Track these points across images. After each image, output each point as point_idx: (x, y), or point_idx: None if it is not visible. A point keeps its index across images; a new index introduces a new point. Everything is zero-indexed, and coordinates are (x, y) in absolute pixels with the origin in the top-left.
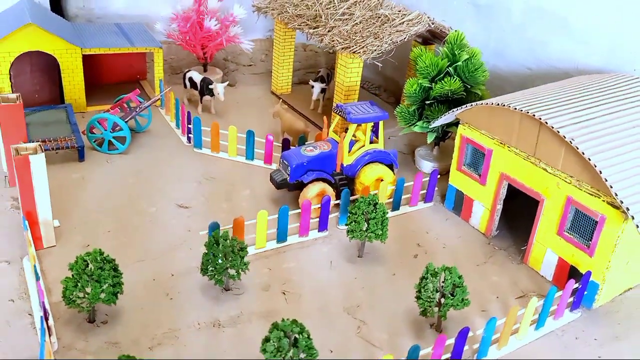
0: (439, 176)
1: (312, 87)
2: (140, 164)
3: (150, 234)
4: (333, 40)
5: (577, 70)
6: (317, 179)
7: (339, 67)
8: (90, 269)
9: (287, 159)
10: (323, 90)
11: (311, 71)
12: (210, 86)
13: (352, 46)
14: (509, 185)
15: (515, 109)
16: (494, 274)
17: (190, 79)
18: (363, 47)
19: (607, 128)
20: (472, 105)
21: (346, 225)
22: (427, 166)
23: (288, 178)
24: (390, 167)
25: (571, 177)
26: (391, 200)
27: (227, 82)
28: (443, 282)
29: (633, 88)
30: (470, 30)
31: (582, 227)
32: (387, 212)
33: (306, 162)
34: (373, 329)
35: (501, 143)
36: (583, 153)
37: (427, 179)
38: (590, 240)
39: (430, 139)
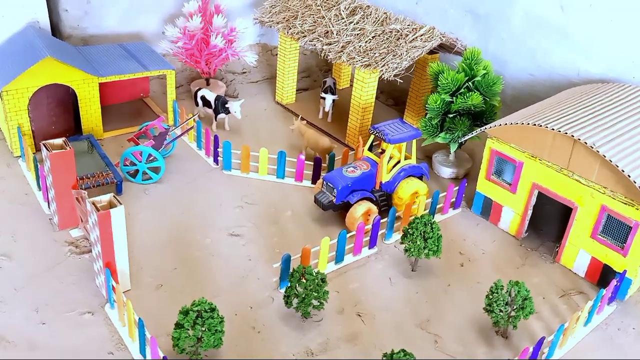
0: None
1: (324, 98)
2: (177, 192)
3: (215, 267)
4: (352, 58)
5: (579, 77)
6: (362, 199)
7: (356, 82)
8: (201, 319)
9: (331, 181)
10: (333, 101)
11: (305, 75)
12: (226, 105)
13: (373, 63)
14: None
15: (549, 127)
16: (533, 276)
17: (203, 97)
18: (384, 64)
19: (637, 143)
20: (506, 123)
21: (402, 243)
22: (445, 172)
23: (334, 199)
24: (420, 178)
25: (605, 187)
26: (427, 211)
27: (242, 100)
28: (514, 295)
29: None
30: (469, 38)
31: (616, 231)
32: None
33: (350, 183)
34: (447, 341)
35: (532, 156)
36: (621, 170)
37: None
38: (625, 243)
39: (453, 148)
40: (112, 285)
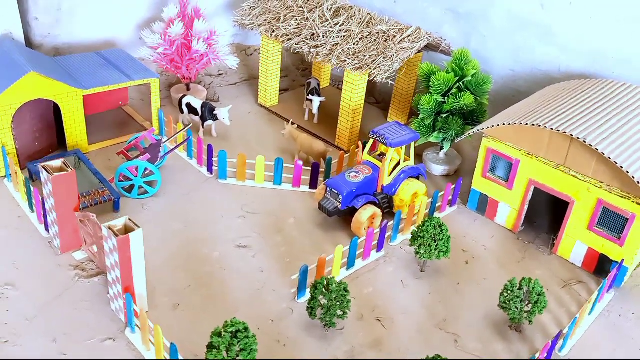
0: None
1: (310, 100)
2: (176, 205)
3: (228, 281)
4: (343, 61)
5: (560, 72)
6: (367, 203)
7: (345, 84)
8: (236, 340)
9: (335, 187)
10: (320, 102)
11: (284, 75)
12: (214, 112)
13: (364, 66)
14: None
15: (547, 127)
16: (535, 268)
17: (189, 105)
18: (376, 67)
19: (630, 138)
20: (504, 124)
21: (412, 245)
22: (437, 169)
23: (339, 205)
24: (417, 178)
25: (601, 182)
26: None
27: (229, 106)
28: (527, 291)
29: (631, 95)
30: (449, 35)
31: (612, 223)
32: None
33: (355, 188)
34: (467, 340)
35: (529, 154)
36: (620, 165)
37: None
38: (621, 233)
39: (447, 147)
40: (135, 310)
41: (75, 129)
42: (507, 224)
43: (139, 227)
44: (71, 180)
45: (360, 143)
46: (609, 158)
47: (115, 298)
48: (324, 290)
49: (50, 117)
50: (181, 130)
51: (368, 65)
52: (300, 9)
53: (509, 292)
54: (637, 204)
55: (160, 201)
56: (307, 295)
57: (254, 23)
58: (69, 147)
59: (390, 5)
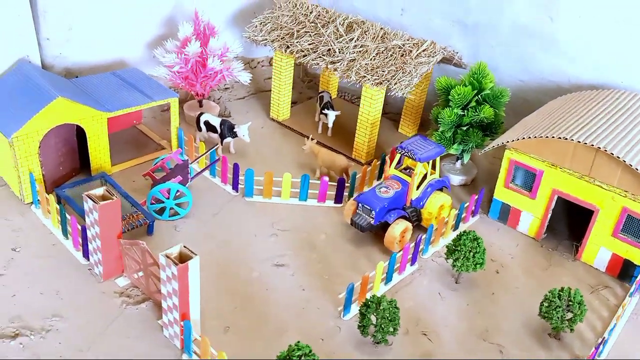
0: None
1: (325, 114)
2: (207, 226)
3: (272, 301)
4: (363, 76)
5: (570, 83)
6: (399, 217)
7: (364, 98)
8: None
9: (368, 203)
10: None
11: None
12: (234, 129)
13: (384, 81)
14: None
15: (574, 140)
16: (562, 275)
17: (207, 122)
18: (396, 82)
19: None
20: (529, 137)
21: (448, 259)
22: (455, 179)
23: (372, 221)
24: (441, 189)
25: (626, 191)
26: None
27: (249, 123)
28: (569, 301)
29: None
30: (457, 47)
31: (637, 230)
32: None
33: (387, 204)
34: (510, 349)
35: (553, 165)
36: None
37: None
38: None
39: (466, 158)
40: (195, 337)
41: (99, 152)
42: (529, 232)
43: (195, 254)
44: (116, 208)
45: (388, 158)
46: (637, 169)
47: (170, 325)
48: (377, 309)
49: (73, 140)
50: (208, 151)
51: (388, 81)
52: (313, 24)
53: (550, 302)
54: None
55: (192, 222)
56: (352, 312)
57: (266, 39)
58: (93, 170)
59: (396, 16)
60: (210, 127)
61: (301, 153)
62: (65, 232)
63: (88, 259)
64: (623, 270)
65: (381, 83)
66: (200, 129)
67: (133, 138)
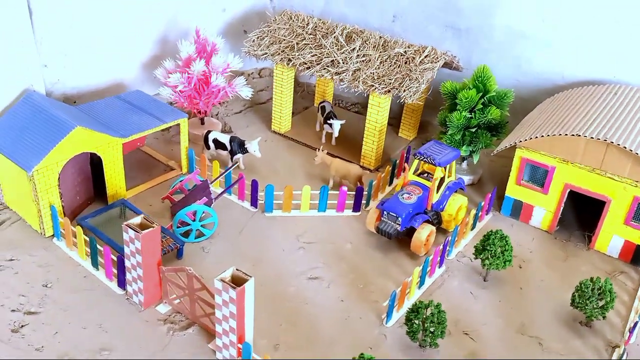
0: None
1: (330, 124)
2: (234, 245)
3: (314, 315)
4: (371, 85)
5: (564, 80)
6: (424, 221)
7: (371, 107)
8: None
9: (393, 211)
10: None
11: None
12: (246, 145)
13: (393, 89)
14: None
15: (587, 136)
16: (580, 264)
17: (216, 140)
18: (405, 89)
19: None
20: (542, 135)
21: (477, 257)
22: (463, 179)
23: (399, 227)
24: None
25: (637, 181)
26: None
27: (259, 138)
28: (600, 291)
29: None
30: (452, 50)
31: None
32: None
33: (412, 209)
34: (548, 341)
35: (564, 161)
36: None
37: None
38: None
39: (476, 159)
40: (254, 358)
41: (115, 178)
42: (542, 226)
43: (250, 276)
44: (157, 236)
45: (406, 165)
46: None
47: (225, 347)
48: (427, 314)
49: (87, 168)
50: (228, 169)
51: (396, 88)
52: (311, 36)
53: (582, 292)
54: None
55: (218, 242)
56: (393, 319)
57: (266, 53)
58: (109, 197)
59: (388, 23)
60: (219, 145)
61: (311, 164)
62: (95, 264)
63: (124, 289)
64: (635, 256)
65: (389, 91)
66: (208, 147)
67: (140, 161)
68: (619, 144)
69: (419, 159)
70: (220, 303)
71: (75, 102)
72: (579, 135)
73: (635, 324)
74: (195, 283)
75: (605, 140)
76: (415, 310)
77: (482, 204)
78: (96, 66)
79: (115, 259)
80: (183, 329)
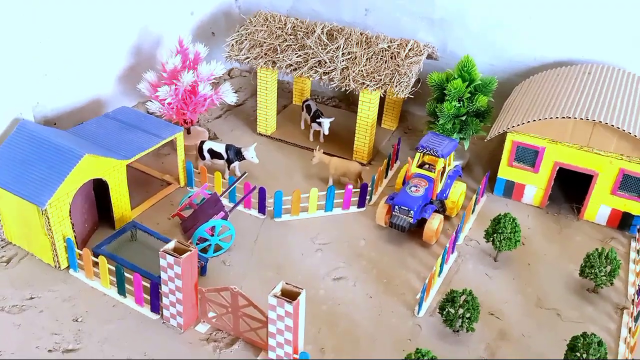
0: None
1: (318, 123)
2: (253, 254)
3: (350, 315)
4: (362, 83)
5: (536, 61)
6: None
7: (362, 103)
8: None
9: (405, 204)
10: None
11: (252, 95)
12: (243, 152)
13: (384, 85)
14: None
15: (577, 117)
16: (575, 235)
17: (211, 150)
18: (397, 84)
19: (636, 114)
20: (534, 120)
21: (487, 240)
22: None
23: (411, 220)
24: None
25: (622, 155)
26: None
27: (254, 144)
28: (608, 259)
29: (616, 77)
30: (425, 40)
31: (633, 185)
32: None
33: (422, 201)
34: (564, 311)
35: (553, 141)
36: (638, 137)
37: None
38: None
39: (467, 145)
40: None
41: (120, 201)
42: (534, 202)
43: (301, 288)
44: (194, 258)
45: (410, 159)
46: (630, 134)
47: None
48: (463, 302)
49: (91, 194)
50: (238, 180)
51: (387, 84)
52: (292, 36)
53: (591, 262)
54: None
55: (236, 254)
56: (423, 309)
57: (248, 57)
58: (116, 221)
59: (361, 17)
60: (214, 154)
61: (307, 164)
62: (122, 291)
63: (158, 313)
64: (622, 222)
65: (381, 87)
66: (203, 158)
67: (133, 178)
68: (606, 123)
69: (421, 152)
70: (274, 318)
71: (55, 124)
72: (569, 117)
73: None
74: (240, 300)
75: (594, 120)
76: (450, 299)
77: (480, 188)
78: (73, 84)
79: (146, 284)
80: (228, 345)
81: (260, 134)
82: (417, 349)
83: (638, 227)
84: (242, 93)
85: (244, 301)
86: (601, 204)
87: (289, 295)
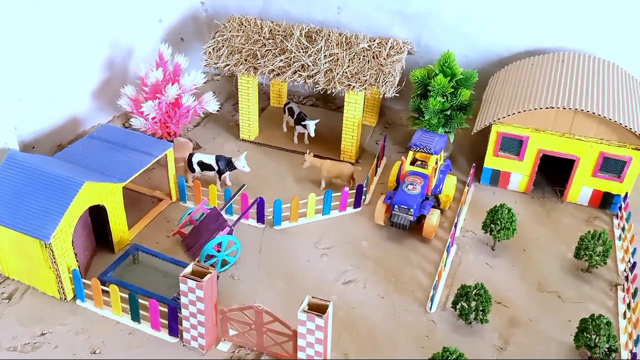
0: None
1: (303, 126)
2: (260, 266)
3: (366, 318)
4: (347, 85)
5: (508, 51)
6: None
7: (347, 104)
8: None
9: (404, 203)
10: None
11: (235, 102)
12: (234, 162)
13: (369, 86)
14: None
15: (560, 107)
16: (561, 217)
17: (201, 162)
18: (383, 84)
19: (613, 98)
20: (519, 111)
21: (485, 232)
22: (449, 160)
23: (412, 218)
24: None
25: (601, 139)
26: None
27: (245, 152)
28: (601, 241)
29: (588, 63)
30: (399, 35)
31: (613, 167)
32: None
33: (420, 199)
34: (564, 293)
35: (536, 130)
36: (619, 122)
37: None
38: (621, 173)
39: (452, 138)
40: None
41: (118, 225)
42: (519, 189)
43: (328, 301)
44: (214, 280)
45: (403, 158)
46: (610, 119)
47: None
48: (475, 295)
49: (88, 220)
50: (238, 192)
51: (372, 84)
52: (270, 40)
53: (586, 244)
54: (632, 149)
55: (243, 267)
56: (435, 304)
57: (228, 64)
58: (115, 244)
59: (333, 15)
60: (205, 167)
61: (296, 168)
62: (136, 317)
63: (177, 337)
64: (603, 201)
65: (366, 88)
66: (193, 170)
67: (125, 195)
68: (588, 111)
69: (414, 150)
70: (304, 332)
71: (33, 148)
72: (552, 107)
73: (634, 264)
74: (265, 317)
75: (576, 109)
76: (463, 294)
77: (469, 179)
78: (48, 105)
79: (162, 309)
80: None
81: (243, 139)
82: (444, 347)
83: (619, 205)
84: (217, 98)
85: (269, 317)
86: (583, 185)
87: (317, 309)
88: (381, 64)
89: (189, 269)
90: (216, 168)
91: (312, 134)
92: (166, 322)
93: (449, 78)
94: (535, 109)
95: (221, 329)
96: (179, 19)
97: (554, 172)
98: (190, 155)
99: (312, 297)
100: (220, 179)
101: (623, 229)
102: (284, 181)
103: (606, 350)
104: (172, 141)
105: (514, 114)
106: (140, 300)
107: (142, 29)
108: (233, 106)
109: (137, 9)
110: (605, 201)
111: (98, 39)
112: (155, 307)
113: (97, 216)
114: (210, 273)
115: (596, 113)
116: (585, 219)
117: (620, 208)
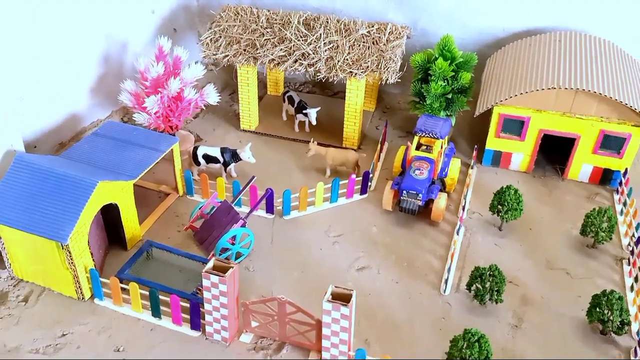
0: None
1: (305, 114)
2: (273, 256)
3: (383, 304)
4: (349, 72)
5: (504, 31)
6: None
7: (349, 91)
8: (478, 344)
9: (412, 189)
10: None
11: (231, 92)
12: (239, 154)
13: (371, 72)
14: None
15: (562, 87)
16: (564, 195)
17: (206, 155)
18: (385, 70)
19: (612, 77)
20: (521, 93)
21: (493, 213)
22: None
23: (420, 202)
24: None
25: (601, 117)
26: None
27: (250, 143)
28: (607, 218)
29: (585, 42)
30: (396, 20)
31: (613, 144)
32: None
33: (428, 184)
34: (572, 269)
35: (537, 110)
36: (620, 100)
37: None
38: (621, 149)
39: (453, 121)
40: None
41: (130, 221)
42: (521, 168)
43: (351, 290)
44: (236, 274)
45: (409, 143)
46: (611, 98)
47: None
48: (490, 277)
49: (100, 218)
50: (248, 184)
51: (374, 71)
52: (268, 30)
53: (592, 220)
54: (632, 126)
55: (257, 258)
56: (449, 287)
57: (227, 55)
58: (128, 241)
59: (328, 2)
60: (210, 159)
61: (299, 157)
62: (157, 313)
63: (199, 330)
64: (603, 177)
65: (369, 74)
66: (198, 164)
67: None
68: (589, 90)
69: (420, 135)
70: (329, 321)
71: (35, 147)
72: (554, 88)
73: (639, 238)
74: (289, 308)
75: (578, 88)
76: (478, 275)
77: (473, 161)
78: (48, 104)
79: (184, 304)
80: (277, 351)
81: (244, 130)
82: (465, 329)
83: (619, 180)
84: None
85: (292, 308)
86: (583, 163)
87: (340, 298)
88: (382, 50)
89: (210, 265)
90: (221, 160)
91: (314, 122)
92: (187, 316)
93: (449, 62)
94: (538, 90)
95: (243, 321)
96: (171, 10)
97: (550, 150)
98: (195, 149)
99: (335, 287)
100: (225, 171)
101: (625, 204)
102: (288, 170)
103: (619, 324)
104: (173, 135)
105: (516, 95)
106: (159, 297)
107: (135, 21)
108: (230, 96)
109: (130, 0)
110: (605, 177)
111: (92, 33)
112: (176, 302)
113: (106, 213)
114: (232, 268)
115: (597, 92)
116: (587, 195)
117: (620, 183)
